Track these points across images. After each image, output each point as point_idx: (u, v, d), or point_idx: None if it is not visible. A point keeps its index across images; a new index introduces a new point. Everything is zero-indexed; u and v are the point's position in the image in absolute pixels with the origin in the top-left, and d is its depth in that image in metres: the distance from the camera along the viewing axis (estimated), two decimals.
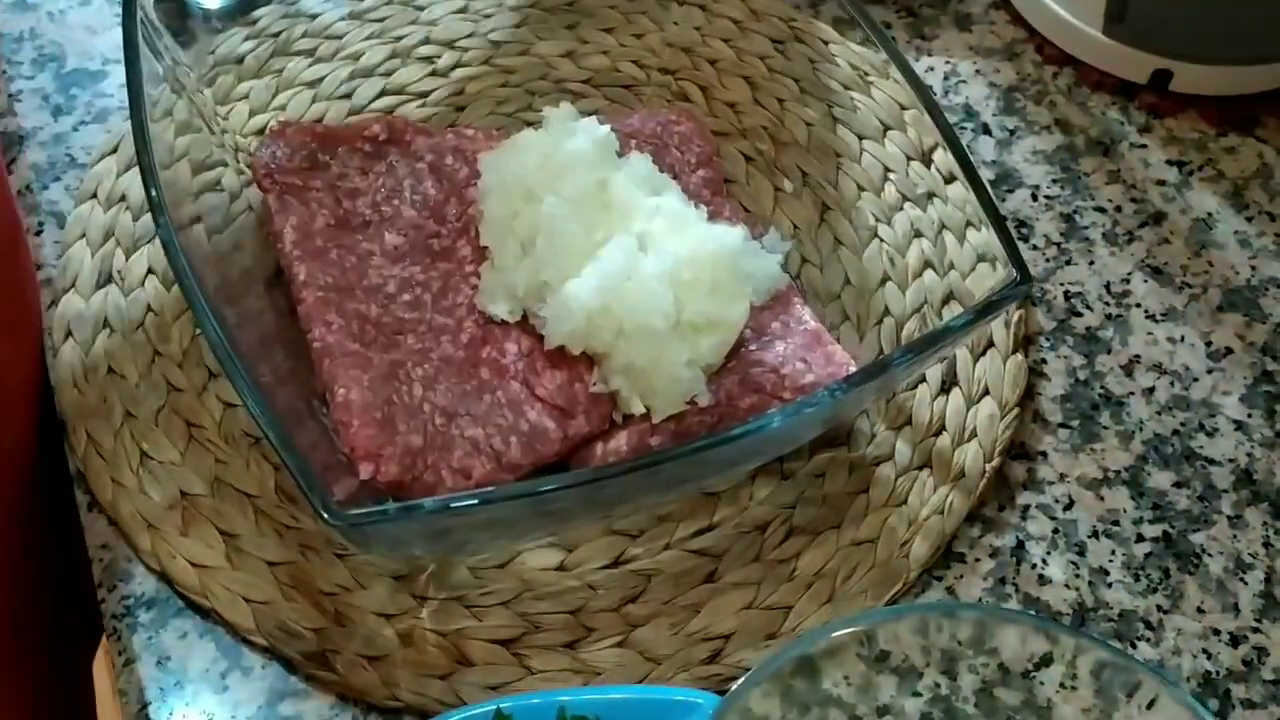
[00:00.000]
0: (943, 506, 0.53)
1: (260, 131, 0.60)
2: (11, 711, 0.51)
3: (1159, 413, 0.57)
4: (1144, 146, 0.64)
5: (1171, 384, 0.57)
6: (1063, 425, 0.56)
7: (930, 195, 0.57)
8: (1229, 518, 0.54)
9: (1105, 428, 0.56)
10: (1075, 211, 0.62)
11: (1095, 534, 0.53)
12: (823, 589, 0.51)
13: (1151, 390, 0.57)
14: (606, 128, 0.56)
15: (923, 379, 0.55)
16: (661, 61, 0.64)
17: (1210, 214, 0.62)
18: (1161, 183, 0.63)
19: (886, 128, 0.60)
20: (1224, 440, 0.56)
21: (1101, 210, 0.62)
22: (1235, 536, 0.53)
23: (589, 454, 0.52)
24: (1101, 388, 0.57)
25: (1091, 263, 0.61)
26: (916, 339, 0.49)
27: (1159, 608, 0.52)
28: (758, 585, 0.51)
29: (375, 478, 0.49)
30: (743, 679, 0.42)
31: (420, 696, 0.48)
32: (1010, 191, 0.63)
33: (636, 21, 0.66)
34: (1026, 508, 0.54)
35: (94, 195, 0.59)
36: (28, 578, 0.56)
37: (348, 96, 0.62)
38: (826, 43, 0.63)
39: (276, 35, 0.63)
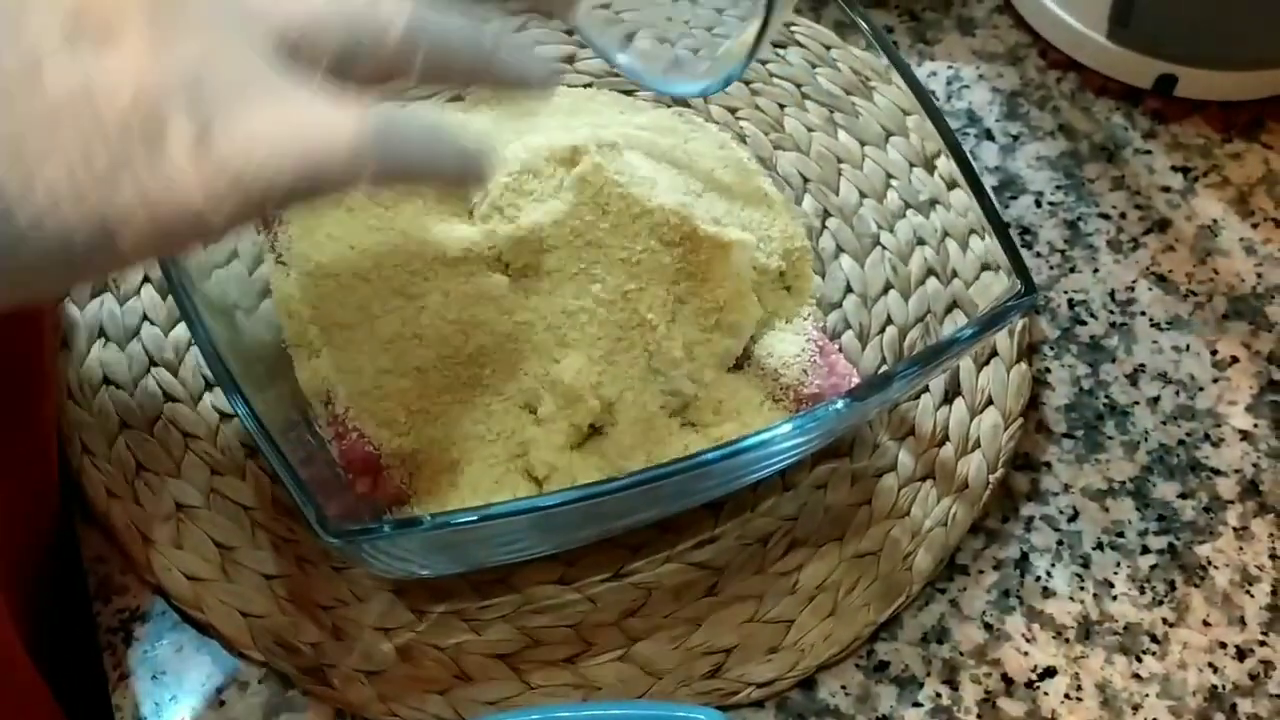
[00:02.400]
0: (946, 518, 0.52)
1: None
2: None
3: (1164, 422, 0.56)
4: (1149, 153, 0.64)
5: (1177, 393, 0.57)
6: (1067, 435, 0.56)
7: (933, 202, 0.56)
8: (1235, 529, 0.53)
9: (1110, 438, 0.56)
10: (1079, 218, 0.62)
11: (1100, 546, 0.53)
12: (825, 602, 0.51)
13: (1156, 400, 0.57)
14: None
15: (926, 389, 0.55)
16: None
17: (1215, 221, 0.62)
18: (1166, 189, 0.63)
19: (889, 133, 0.59)
20: (1230, 450, 0.55)
21: (1106, 217, 0.62)
22: (1241, 548, 0.53)
23: None
24: (1106, 397, 0.57)
25: (1096, 270, 0.60)
26: (921, 351, 0.49)
27: (1164, 620, 0.51)
28: (759, 599, 0.50)
29: (373, 492, 0.49)
30: None
31: (418, 712, 0.48)
32: (1014, 198, 0.62)
33: None
34: (1030, 519, 0.54)
35: None
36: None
37: None
38: (828, 47, 0.62)
39: None
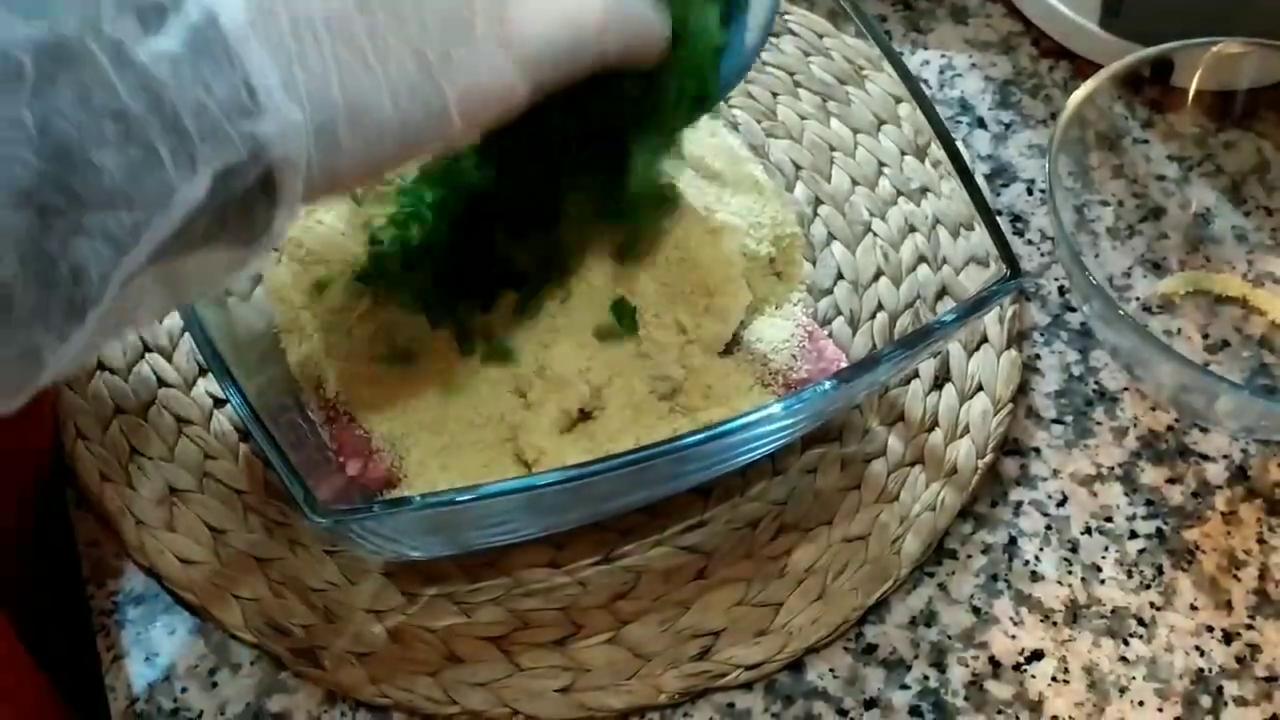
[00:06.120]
0: (935, 503, 0.53)
1: None
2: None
3: (1153, 408, 0.56)
4: (1146, 142, 0.64)
5: None
6: (1056, 421, 0.56)
7: (924, 190, 0.56)
8: (1222, 514, 0.54)
9: (1099, 423, 0.56)
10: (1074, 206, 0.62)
11: (1088, 530, 0.53)
12: (813, 585, 0.51)
13: None
14: None
15: (916, 374, 0.55)
16: None
17: (1209, 209, 0.62)
18: (1161, 178, 0.63)
19: (881, 121, 0.60)
20: (1218, 436, 0.55)
21: (1105, 204, 0.62)
22: (1229, 533, 0.53)
23: None
24: (1095, 383, 0.57)
25: (1096, 256, 0.60)
26: (908, 334, 0.49)
27: (1152, 604, 0.51)
28: (748, 582, 0.51)
29: (363, 474, 0.49)
30: None
31: (408, 693, 0.48)
32: (1005, 186, 0.63)
33: None
34: (1019, 504, 0.54)
35: None
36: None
37: None
38: (820, 35, 0.63)
39: None
